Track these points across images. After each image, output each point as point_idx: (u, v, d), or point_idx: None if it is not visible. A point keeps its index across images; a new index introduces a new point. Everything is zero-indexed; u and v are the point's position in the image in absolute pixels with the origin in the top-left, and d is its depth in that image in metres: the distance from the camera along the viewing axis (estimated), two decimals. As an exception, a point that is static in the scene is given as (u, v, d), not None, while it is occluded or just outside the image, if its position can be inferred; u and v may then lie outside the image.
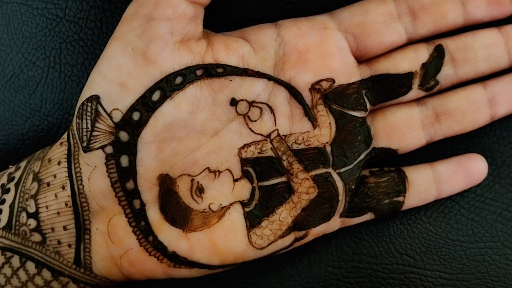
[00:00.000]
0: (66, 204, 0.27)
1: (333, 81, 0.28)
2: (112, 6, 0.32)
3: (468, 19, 0.28)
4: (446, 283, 0.31)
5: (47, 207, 0.27)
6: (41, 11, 0.32)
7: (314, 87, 0.28)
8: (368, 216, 0.30)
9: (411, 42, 0.29)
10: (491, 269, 0.31)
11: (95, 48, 0.32)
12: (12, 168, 0.29)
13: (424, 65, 0.29)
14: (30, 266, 0.27)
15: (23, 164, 0.29)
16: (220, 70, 0.27)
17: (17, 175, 0.28)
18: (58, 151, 0.28)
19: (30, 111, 0.32)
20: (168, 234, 0.27)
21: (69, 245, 0.27)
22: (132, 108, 0.26)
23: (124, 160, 0.27)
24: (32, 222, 0.27)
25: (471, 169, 0.30)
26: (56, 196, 0.27)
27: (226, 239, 0.28)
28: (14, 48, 0.32)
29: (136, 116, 0.26)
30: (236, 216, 0.28)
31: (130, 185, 0.27)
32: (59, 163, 0.27)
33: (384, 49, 0.29)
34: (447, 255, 0.31)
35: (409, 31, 0.28)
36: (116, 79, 0.26)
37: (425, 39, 0.29)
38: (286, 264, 0.31)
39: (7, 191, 0.28)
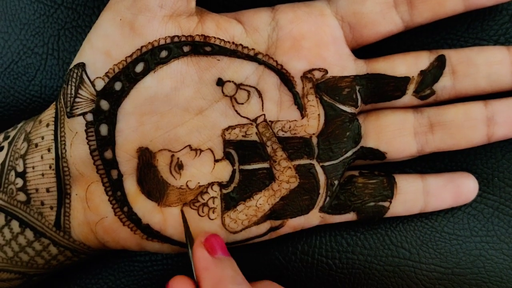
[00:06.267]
0: (50, 167, 0.28)
1: (325, 71, 0.28)
2: (110, -8, 0.31)
3: (469, 5, 0.27)
4: (441, 277, 0.30)
5: (33, 167, 0.28)
6: (38, -2, 0.32)
7: (306, 76, 0.28)
8: (350, 216, 0.29)
9: (408, 29, 0.28)
10: (487, 264, 0.30)
11: (93, 35, 0.32)
12: (10, 128, 0.30)
13: (422, 72, 0.28)
14: (15, 224, 0.28)
15: (20, 124, 0.30)
16: (208, 48, 0.27)
17: (12, 134, 0.29)
18: (48, 113, 0.29)
19: (30, 97, 0.33)
20: (143, 206, 0.28)
21: (51, 207, 0.28)
22: (114, 78, 0.27)
23: (104, 129, 0.27)
24: (19, 181, 0.28)
25: (461, 187, 0.29)
26: (42, 157, 0.28)
27: (199, 218, 0.28)
28: (12, 35, 0.32)
29: (118, 86, 0.27)
30: (212, 196, 0.28)
31: (108, 154, 0.27)
32: (47, 125, 0.28)
33: (380, 38, 0.28)
34: (443, 249, 0.30)
35: (406, 20, 0.27)
36: (101, 48, 0.27)
37: (428, 48, 0.29)
38: (278, 254, 0.31)
39: (1, 149, 0.29)
